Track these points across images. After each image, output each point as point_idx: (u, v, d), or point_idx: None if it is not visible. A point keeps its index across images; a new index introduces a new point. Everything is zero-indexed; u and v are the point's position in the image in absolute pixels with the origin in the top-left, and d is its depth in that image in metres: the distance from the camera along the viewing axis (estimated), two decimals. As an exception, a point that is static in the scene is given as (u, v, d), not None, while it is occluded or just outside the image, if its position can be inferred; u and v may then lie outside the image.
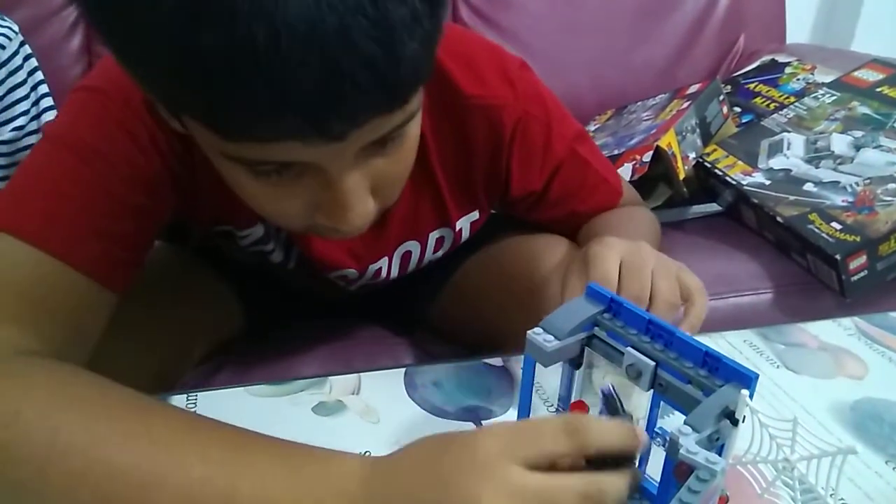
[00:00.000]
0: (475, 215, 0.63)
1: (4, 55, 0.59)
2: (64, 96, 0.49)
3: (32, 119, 0.62)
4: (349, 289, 0.66)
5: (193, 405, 0.48)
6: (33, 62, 0.63)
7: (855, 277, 0.78)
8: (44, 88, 0.63)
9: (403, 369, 0.53)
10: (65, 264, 0.44)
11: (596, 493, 0.32)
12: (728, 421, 0.34)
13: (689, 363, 0.36)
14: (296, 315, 0.76)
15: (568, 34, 1.24)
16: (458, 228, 0.62)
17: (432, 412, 0.49)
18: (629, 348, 0.38)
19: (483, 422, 0.47)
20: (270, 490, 0.34)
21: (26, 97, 0.61)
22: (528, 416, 0.42)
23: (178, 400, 0.48)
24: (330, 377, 0.51)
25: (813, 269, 0.84)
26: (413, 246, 0.62)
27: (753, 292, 0.84)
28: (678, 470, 0.32)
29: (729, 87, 1.24)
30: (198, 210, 0.54)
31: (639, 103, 1.19)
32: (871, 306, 0.80)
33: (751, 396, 0.34)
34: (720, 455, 0.34)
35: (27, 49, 0.62)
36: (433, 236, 0.62)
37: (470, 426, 0.47)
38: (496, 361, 0.54)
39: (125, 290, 0.47)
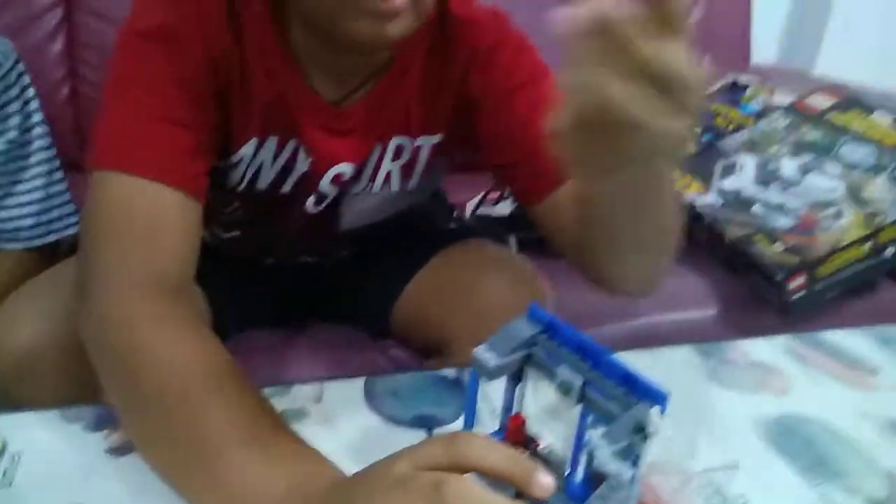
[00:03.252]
0: (436, 138, 0.65)
1: (1, 71, 0.63)
2: (47, 99, 0.53)
3: (23, 132, 0.66)
4: (323, 213, 0.67)
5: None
6: (26, 79, 0.66)
7: (795, 297, 0.83)
8: (35, 104, 0.67)
9: (363, 379, 0.57)
10: (162, 184, 0.50)
11: (446, 485, 0.33)
12: (640, 435, 0.38)
13: (612, 381, 0.40)
14: (260, 319, 0.80)
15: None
16: (417, 144, 0.65)
17: (388, 420, 0.53)
18: (561, 367, 0.42)
19: (433, 430, 0.51)
20: (253, 468, 0.40)
21: (19, 111, 0.65)
22: (473, 424, 0.46)
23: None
24: (293, 386, 0.55)
25: (757, 288, 0.89)
26: (376, 147, 0.64)
27: (699, 308, 0.90)
28: (595, 478, 0.37)
29: (692, 106, 1.30)
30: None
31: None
32: (812, 323, 0.85)
33: (662, 413, 0.38)
34: (635, 465, 0.38)
35: (21, 67, 0.66)
36: (393, 143, 0.64)
37: (422, 434, 0.51)
38: (448, 372, 0.58)
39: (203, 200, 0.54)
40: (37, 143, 0.67)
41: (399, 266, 0.75)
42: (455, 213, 1.01)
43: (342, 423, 0.52)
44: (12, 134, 0.65)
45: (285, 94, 0.58)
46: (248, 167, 0.61)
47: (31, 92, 0.67)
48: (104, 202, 0.51)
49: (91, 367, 0.49)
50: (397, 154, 0.65)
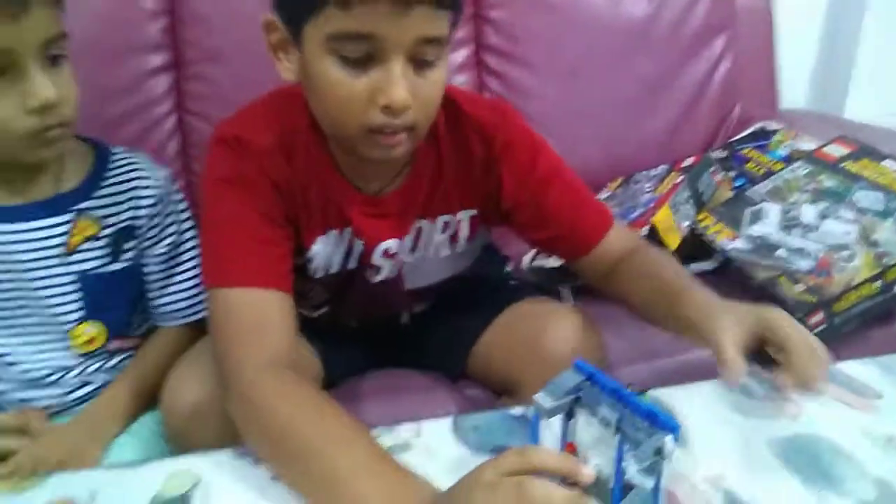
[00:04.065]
0: (473, 212, 0.82)
1: (158, 207, 0.82)
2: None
3: (179, 235, 0.85)
4: (393, 290, 0.85)
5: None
6: (179, 195, 0.85)
7: (815, 331, 0.95)
8: (187, 213, 0.86)
9: (452, 417, 0.72)
10: (272, 290, 0.69)
11: (529, 484, 0.49)
12: (659, 455, 0.52)
13: (638, 416, 0.55)
14: (361, 368, 0.97)
15: (579, 114, 1.43)
16: (458, 218, 0.82)
17: (473, 449, 0.68)
18: (601, 406, 0.57)
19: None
20: (371, 489, 0.56)
21: (176, 221, 0.84)
22: (538, 452, 0.61)
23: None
24: (398, 425, 0.71)
25: (783, 323, 1.01)
26: (425, 224, 0.81)
27: (734, 344, 1.02)
28: (627, 489, 0.51)
29: (725, 152, 1.43)
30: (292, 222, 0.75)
31: (643, 172, 1.38)
32: (832, 353, 0.96)
33: (675, 440, 0.52)
34: (656, 478, 0.53)
35: (175, 186, 0.85)
36: (441, 219, 0.81)
37: (499, 459, 0.66)
38: (517, 411, 0.73)
39: (291, 292, 0.71)
40: (189, 244, 0.86)
41: (473, 320, 0.91)
42: (511, 266, 1.17)
43: (438, 453, 0.67)
44: (170, 239, 0.84)
45: (335, 195, 0.76)
46: (320, 259, 0.79)
47: (182, 205, 0.86)
48: (222, 311, 0.69)
49: None
50: (444, 228, 0.82)
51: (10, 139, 0.70)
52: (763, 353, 0.65)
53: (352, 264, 0.81)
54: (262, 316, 0.68)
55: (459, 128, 0.77)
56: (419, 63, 0.65)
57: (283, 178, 0.73)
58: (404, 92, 0.63)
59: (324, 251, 0.79)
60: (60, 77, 0.71)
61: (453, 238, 0.84)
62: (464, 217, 0.82)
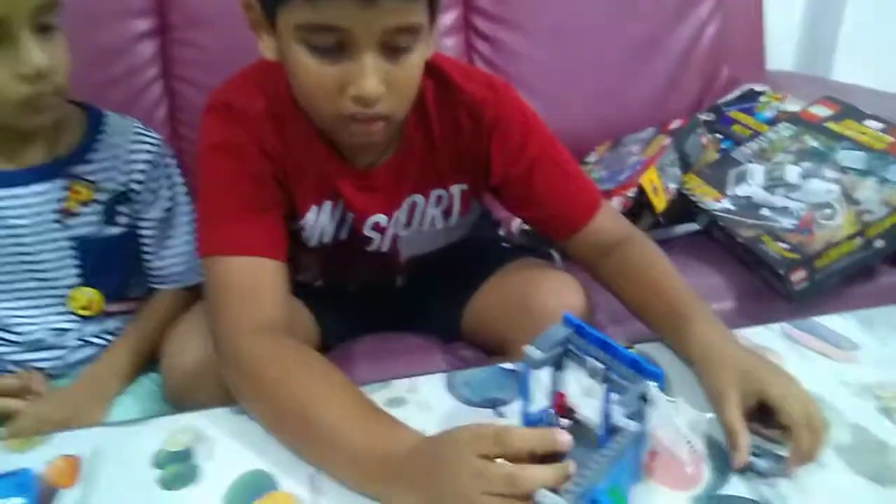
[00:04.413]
0: (464, 186, 0.83)
1: (151, 172, 0.83)
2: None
3: (171, 200, 0.86)
4: (383, 252, 0.85)
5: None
6: (172, 161, 0.86)
7: (798, 287, 0.98)
8: (178, 179, 0.87)
9: (445, 373, 0.74)
10: (266, 258, 0.70)
11: (519, 476, 0.49)
12: (643, 401, 0.55)
13: (624, 366, 0.57)
14: (356, 331, 0.99)
15: (567, 76, 1.44)
16: (451, 192, 0.82)
17: (465, 403, 0.70)
18: (589, 357, 0.59)
19: (499, 408, 0.69)
20: (357, 438, 0.58)
21: (168, 187, 0.85)
22: (528, 402, 0.63)
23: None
24: (392, 381, 0.73)
25: (766, 281, 1.04)
26: (419, 199, 0.82)
27: (719, 301, 1.05)
28: (614, 432, 0.54)
29: (712, 114, 1.44)
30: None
31: (631, 136, 1.39)
32: (816, 308, 0.99)
33: (661, 388, 0.55)
34: (642, 423, 0.55)
35: (169, 152, 0.86)
36: (434, 193, 0.82)
37: (490, 412, 0.69)
38: (508, 366, 0.75)
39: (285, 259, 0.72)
40: (182, 208, 0.87)
41: (464, 282, 0.93)
42: (502, 230, 1.18)
43: (432, 406, 0.70)
44: (166, 203, 0.85)
45: (327, 169, 0.76)
46: (313, 228, 0.80)
47: (176, 171, 0.87)
48: (216, 279, 0.69)
49: None
50: (438, 202, 0.83)
51: (4, 106, 0.70)
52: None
53: (344, 235, 0.82)
54: (254, 283, 0.69)
55: (449, 102, 0.77)
56: (393, 50, 0.63)
57: (274, 146, 0.73)
58: (375, 83, 0.62)
59: (317, 221, 0.80)
60: (52, 45, 0.71)
61: (447, 212, 0.85)
62: (456, 191, 0.83)
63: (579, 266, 0.87)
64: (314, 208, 0.78)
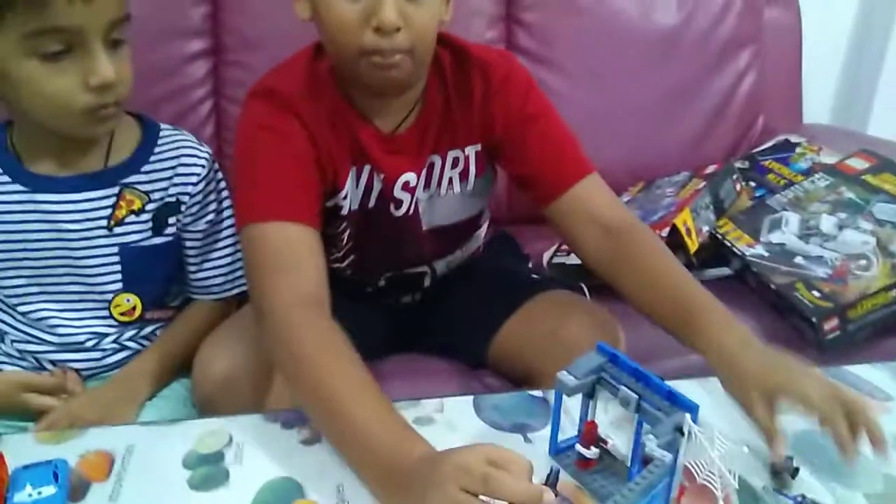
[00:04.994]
0: (478, 147, 0.87)
1: (202, 185, 0.86)
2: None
3: (218, 213, 0.89)
4: (413, 226, 0.89)
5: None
6: (220, 175, 0.88)
7: (830, 336, 0.97)
8: (226, 192, 0.89)
9: (473, 396, 0.75)
10: (296, 223, 0.73)
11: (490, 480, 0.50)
12: (679, 433, 0.55)
13: (658, 396, 0.57)
14: (384, 351, 1.00)
15: (605, 118, 1.45)
16: (466, 154, 0.86)
17: (493, 427, 0.70)
18: (622, 386, 0.59)
19: (527, 434, 0.69)
20: (375, 438, 0.60)
21: (215, 200, 0.88)
22: (558, 429, 0.63)
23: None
24: (421, 400, 0.74)
25: (799, 329, 1.03)
26: (436, 159, 0.86)
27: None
28: (644, 461, 0.53)
29: (747, 162, 1.44)
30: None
31: (665, 178, 1.40)
32: (847, 359, 0.98)
33: (694, 420, 0.55)
34: (676, 456, 0.55)
35: (216, 166, 0.88)
36: (451, 155, 0.86)
37: (519, 437, 0.69)
38: (537, 393, 0.75)
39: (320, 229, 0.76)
40: (226, 222, 0.89)
41: (493, 310, 0.93)
42: (532, 263, 1.19)
43: (459, 428, 0.70)
44: (211, 216, 0.88)
45: (356, 134, 0.82)
46: (349, 196, 0.84)
47: (223, 184, 0.89)
48: (256, 246, 0.73)
49: (271, 386, 0.73)
50: (454, 164, 0.87)
51: (69, 113, 0.73)
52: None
53: (371, 203, 0.86)
54: (292, 250, 0.73)
55: (465, 67, 0.84)
56: None
57: (311, 118, 0.79)
58: (393, 13, 0.70)
59: (350, 188, 0.84)
60: (119, 58, 0.75)
61: (463, 174, 0.88)
62: (471, 152, 0.87)
63: (609, 286, 0.85)
64: (353, 172, 0.83)
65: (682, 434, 0.55)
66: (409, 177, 0.85)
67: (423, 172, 0.86)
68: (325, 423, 0.65)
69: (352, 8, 0.71)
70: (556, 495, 0.53)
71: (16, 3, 0.67)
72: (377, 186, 0.85)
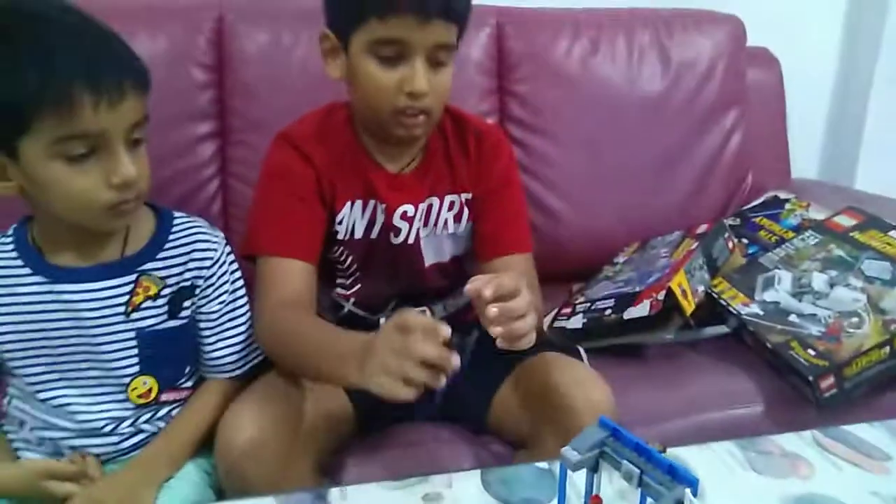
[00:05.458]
0: (469, 195, 1.02)
1: (216, 268, 0.90)
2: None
3: (232, 293, 0.94)
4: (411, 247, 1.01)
5: (345, 497, 0.73)
6: (232, 256, 0.92)
7: (826, 394, 0.99)
8: (238, 273, 0.93)
9: (479, 471, 0.77)
10: (292, 259, 0.92)
11: (412, 345, 0.68)
12: (679, 507, 0.57)
13: (659, 471, 0.60)
14: (391, 413, 1.02)
15: (597, 182, 1.50)
16: (461, 199, 1.01)
17: (500, 501, 0.72)
18: (624, 461, 0.61)
19: (535, 507, 0.71)
20: (334, 344, 0.81)
21: (228, 281, 0.92)
22: (564, 503, 0.65)
23: (334, 493, 0.73)
24: (431, 476, 0.76)
25: (796, 387, 1.05)
26: (435, 201, 1.00)
27: (748, 405, 1.06)
28: (649, 536, 0.56)
29: (738, 219, 1.49)
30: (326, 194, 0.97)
31: (659, 238, 1.44)
32: (846, 416, 1.00)
33: (694, 493, 0.57)
34: (677, 529, 0.57)
35: (228, 248, 0.93)
36: (447, 198, 1.01)
37: (526, 512, 0.71)
38: (543, 465, 0.78)
39: (317, 261, 0.95)
40: (239, 302, 0.93)
41: (490, 375, 0.98)
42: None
43: (467, 503, 0.72)
44: (223, 297, 0.92)
45: (366, 171, 0.97)
46: (346, 222, 0.97)
47: (235, 265, 0.93)
48: (260, 273, 0.91)
49: (294, 453, 0.80)
50: (451, 206, 1.02)
51: (92, 210, 0.78)
52: None
53: (374, 234, 0.99)
54: (284, 276, 0.91)
55: (463, 130, 1.02)
56: (434, 62, 0.88)
57: (319, 154, 0.95)
58: (424, 82, 0.87)
59: (351, 214, 0.98)
60: (139, 155, 0.80)
61: (457, 216, 1.02)
62: (464, 198, 1.02)
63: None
64: (349, 203, 0.97)
65: (683, 508, 0.57)
66: (408, 207, 0.99)
67: (423, 209, 0.99)
68: (300, 358, 0.85)
69: (389, 76, 0.87)
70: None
71: (44, 111, 0.72)
72: (380, 219, 0.99)
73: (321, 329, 0.86)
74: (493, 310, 0.72)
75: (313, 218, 0.95)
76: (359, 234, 0.99)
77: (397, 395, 0.69)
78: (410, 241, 1.00)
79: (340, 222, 0.97)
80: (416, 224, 0.99)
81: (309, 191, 0.95)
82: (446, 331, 0.69)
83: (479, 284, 0.74)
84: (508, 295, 0.74)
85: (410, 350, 0.68)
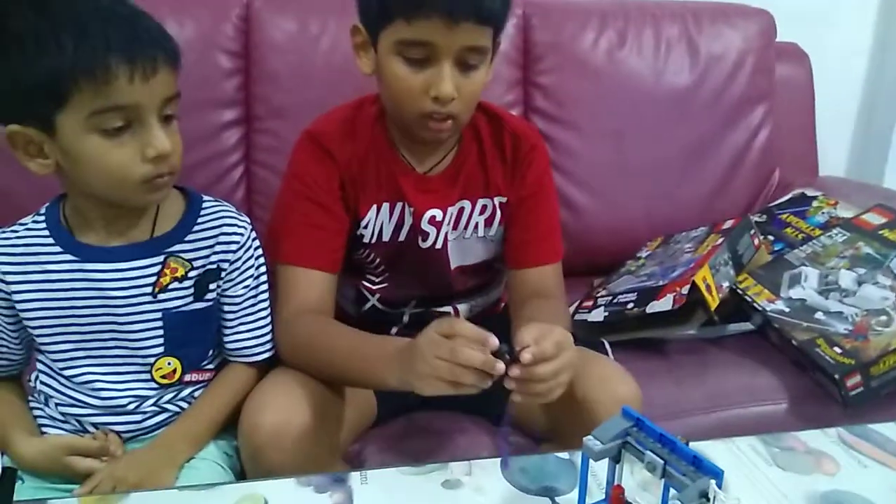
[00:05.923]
0: (503, 199, 1.00)
1: (241, 252, 0.91)
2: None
3: (256, 278, 0.94)
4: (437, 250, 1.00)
5: (365, 481, 0.73)
6: (257, 242, 0.93)
7: (853, 393, 0.98)
8: (262, 259, 0.94)
9: (499, 458, 0.77)
10: (313, 269, 0.93)
11: (459, 350, 0.69)
12: (704, 499, 0.56)
13: (684, 462, 0.59)
14: (410, 406, 1.02)
15: (621, 175, 1.49)
16: (494, 203, 0.99)
17: (520, 489, 0.72)
18: (648, 451, 0.61)
19: (555, 497, 0.71)
20: (364, 348, 0.84)
21: (253, 266, 0.92)
22: (586, 493, 0.65)
23: (355, 477, 0.74)
24: (450, 463, 0.76)
25: (821, 385, 1.04)
26: (466, 204, 0.99)
27: (772, 402, 1.05)
28: (672, 527, 0.55)
29: (764, 216, 1.47)
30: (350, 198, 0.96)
31: (683, 234, 1.42)
32: (871, 414, 0.98)
33: (719, 485, 0.56)
34: (701, 520, 0.56)
35: (254, 234, 0.93)
36: (480, 202, 0.99)
37: (546, 501, 0.71)
38: (564, 455, 0.77)
39: (338, 271, 0.95)
40: (262, 287, 0.93)
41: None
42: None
43: (487, 491, 0.72)
44: (248, 282, 0.92)
45: (392, 171, 0.95)
46: (372, 226, 0.97)
47: (260, 251, 0.94)
48: (280, 280, 0.93)
49: (317, 439, 0.80)
50: (482, 210, 1.00)
51: (128, 184, 0.79)
52: None
53: (402, 236, 0.98)
54: (306, 286, 0.92)
55: (499, 130, 0.99)
56: (464, 66, 0.85)
57: (345, 154, 0.93)
58: (450, 87, 0.83)
59: (377, 218, 0.96)
60: (172, 130, 0.81)
61: (488, 221, 1.00)
62: (497, 202, 1.00)
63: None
64: (374, 207, 0.96)
65: (708, 499, 0.56)
66: (436, 212, 0.97)
67: (452, 213, 0.98)
68: (325, 364, 0.86)
69: (415, 77, 0.85)
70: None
71: (81, 83, 0.73)
72: (408, 221, 0.97)
73: (347, 334, 0.87)
74: (515, 371, 0.72)
75: (335, 226, 0.94)
76: (387, 237, 0.98)
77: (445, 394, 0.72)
78: (438, 245, 0.99)
79: (366, 226, 0.96)
80: (445, 228, 0.98)
81: (332, 198, 0.93)
82: (494, 342, 0.71)
83: (525, 340, 0.72)
84: (543, 359, 0.72)
85: (458, 355, 0.69)
